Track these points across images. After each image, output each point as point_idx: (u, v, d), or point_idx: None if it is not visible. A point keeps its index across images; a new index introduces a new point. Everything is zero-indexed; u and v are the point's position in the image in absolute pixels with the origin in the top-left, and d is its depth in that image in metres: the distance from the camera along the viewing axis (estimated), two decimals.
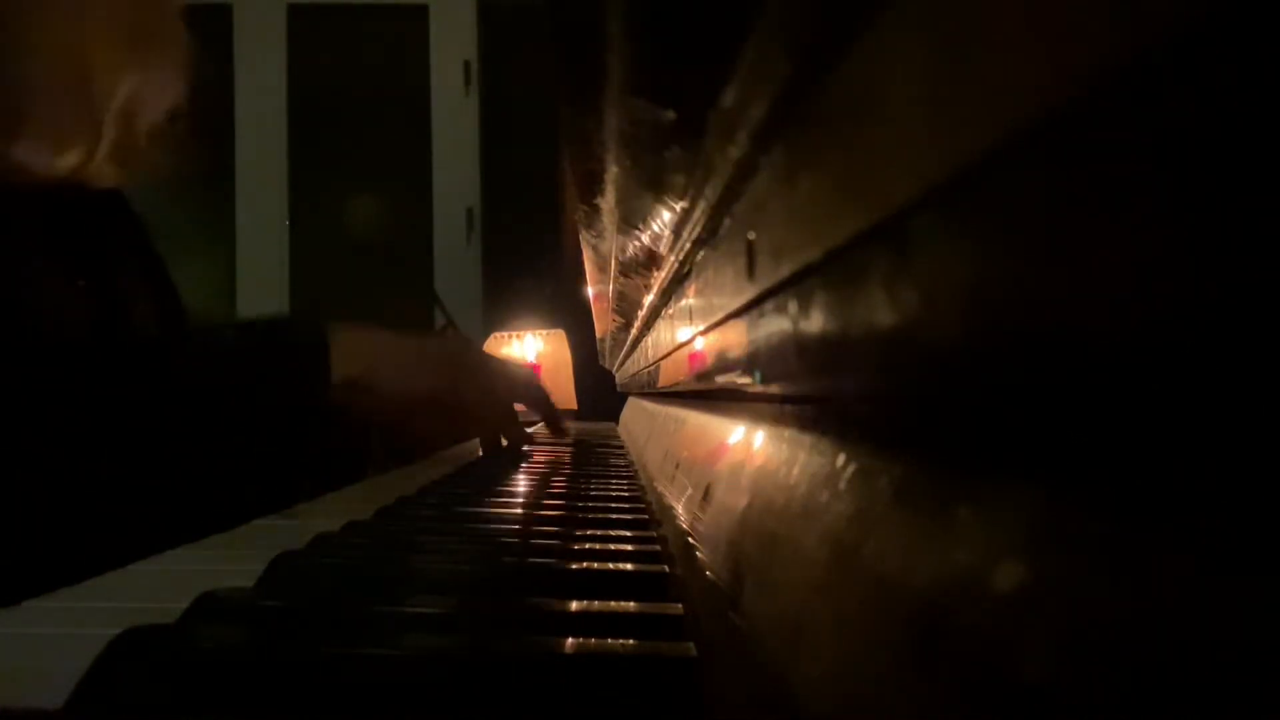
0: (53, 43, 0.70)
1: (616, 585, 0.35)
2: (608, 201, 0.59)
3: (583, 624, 0.30)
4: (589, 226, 0.74)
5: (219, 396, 0.69)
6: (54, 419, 0.64)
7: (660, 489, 0.61)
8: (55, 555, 0.61)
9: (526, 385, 0.99)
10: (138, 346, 0.72)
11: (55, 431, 0.64)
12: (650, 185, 0.44)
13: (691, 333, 0.50)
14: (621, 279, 0.80)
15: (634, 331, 1.02)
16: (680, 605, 0.32)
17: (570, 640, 0.27)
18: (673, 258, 0.53)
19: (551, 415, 1.07)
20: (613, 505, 0.60)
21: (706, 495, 0.42)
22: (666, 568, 0.39)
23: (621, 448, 1.14)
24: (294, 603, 0.32)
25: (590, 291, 1.26)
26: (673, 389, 0.72)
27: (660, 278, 0.62)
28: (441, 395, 0.83)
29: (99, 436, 0.65)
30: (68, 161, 0.72)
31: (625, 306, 0.97)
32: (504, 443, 0.97)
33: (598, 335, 1.63)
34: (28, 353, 0.64)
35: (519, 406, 1.00)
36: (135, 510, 0.66)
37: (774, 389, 0.30)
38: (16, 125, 0.69)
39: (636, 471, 0.83)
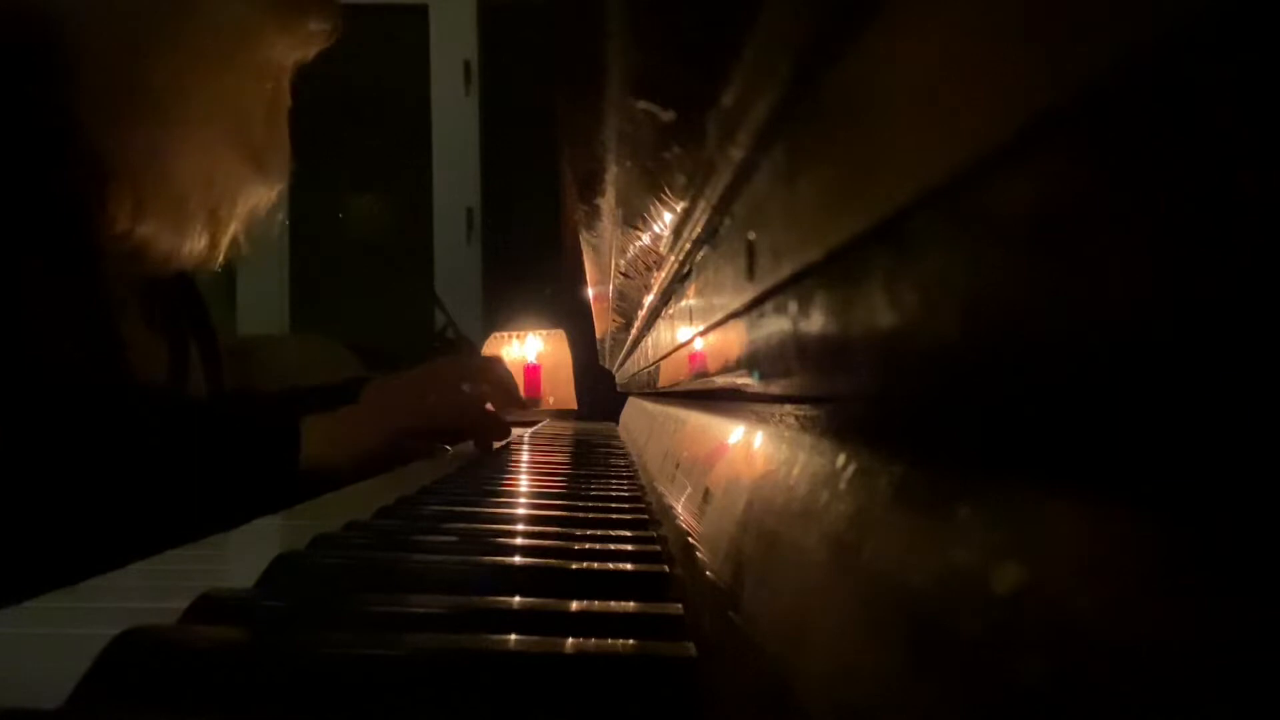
0: (195, 161, 0.87)
1: (616, 585, 0.35)
2: (608, 201, 0.59)
3: (582, 624, 0.30)
4: (589, 226, 0.74)
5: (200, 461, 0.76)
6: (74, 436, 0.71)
7: (660, 489, 0.61)
8: (55, 555, 0.61)
9: (491, 381, 1.03)
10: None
11: (69, 445, 0.68)
12: (650, 185, 0.44)
13: (691, 333, 0.50)
14: (621, 279, 0.80)
15: (634, 331, 1.02)
16: (680, 605, 0.32)
17: (570, 640, 0.27)
18: (673, 258, 0.53)
19: (511, 401, 1.10)
20: (613, 505, 0.60)
21: (706, 495, 0.42)
22: (666, 567, 0.39)
23: (622, 448, 1.14)
24: (294, 603, 0.32)
25: (590, 292, 1.26)
26: (673, 389, 0.72)
27: (660, 278, 0.62)
28: (414, 431, 0.91)
29: (108, 453, 0.71)
30: (192, 252, 0.89)
31: (625, 306, 0.97)
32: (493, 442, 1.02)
33: (598, 335, 1.63)
34: (121, 388, 0.78)
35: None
36: (135, 510, 0.67)
37: (774, 389, 0.30)
38: (149, 221, 0.85)
39: (637, 471, 0.83)
